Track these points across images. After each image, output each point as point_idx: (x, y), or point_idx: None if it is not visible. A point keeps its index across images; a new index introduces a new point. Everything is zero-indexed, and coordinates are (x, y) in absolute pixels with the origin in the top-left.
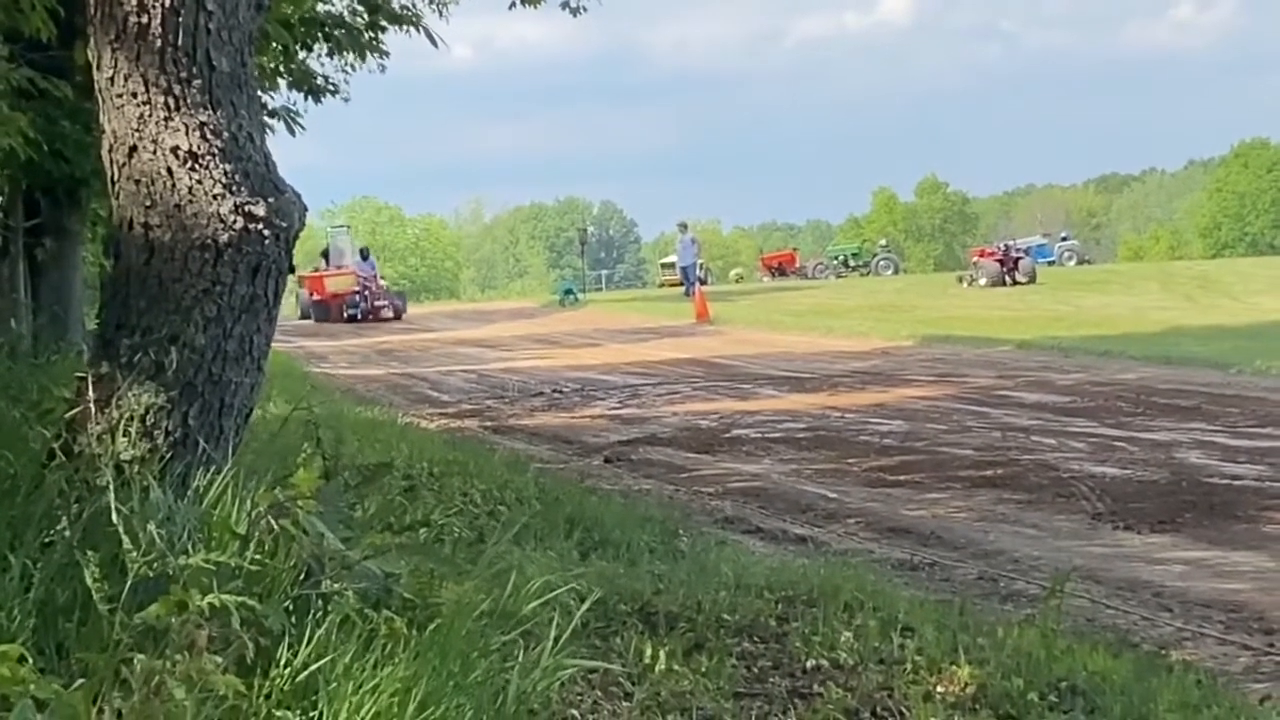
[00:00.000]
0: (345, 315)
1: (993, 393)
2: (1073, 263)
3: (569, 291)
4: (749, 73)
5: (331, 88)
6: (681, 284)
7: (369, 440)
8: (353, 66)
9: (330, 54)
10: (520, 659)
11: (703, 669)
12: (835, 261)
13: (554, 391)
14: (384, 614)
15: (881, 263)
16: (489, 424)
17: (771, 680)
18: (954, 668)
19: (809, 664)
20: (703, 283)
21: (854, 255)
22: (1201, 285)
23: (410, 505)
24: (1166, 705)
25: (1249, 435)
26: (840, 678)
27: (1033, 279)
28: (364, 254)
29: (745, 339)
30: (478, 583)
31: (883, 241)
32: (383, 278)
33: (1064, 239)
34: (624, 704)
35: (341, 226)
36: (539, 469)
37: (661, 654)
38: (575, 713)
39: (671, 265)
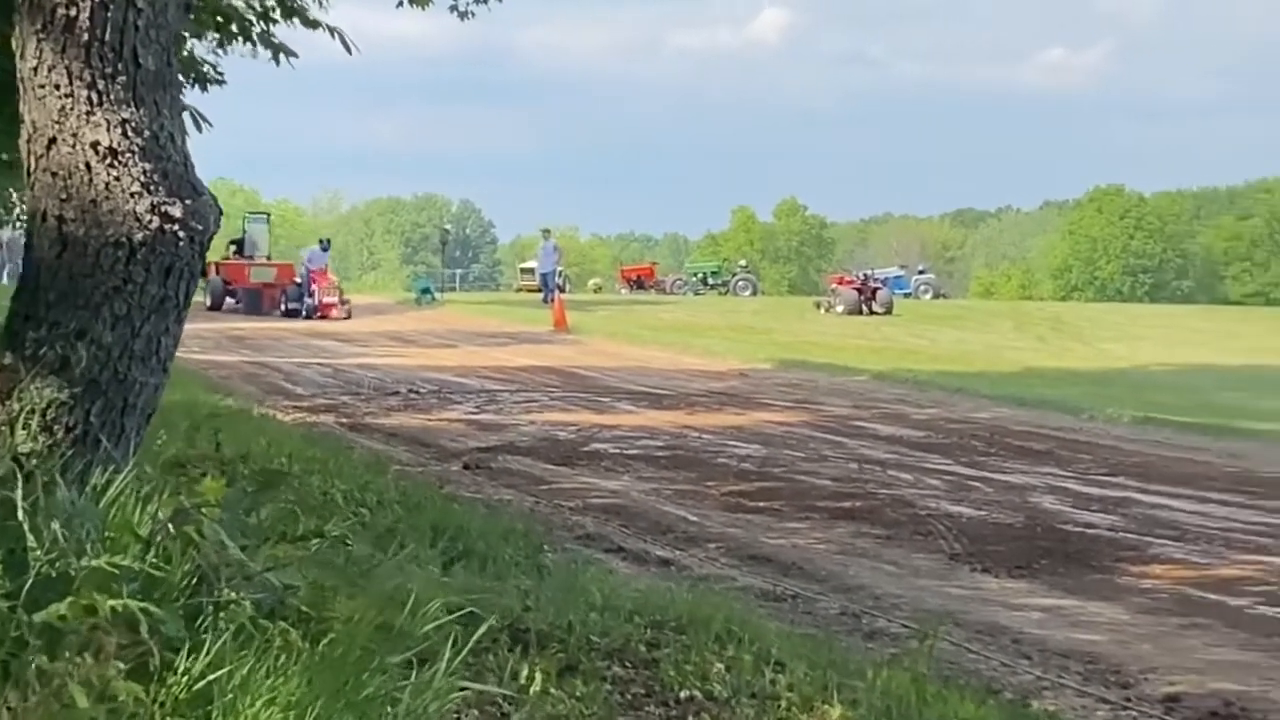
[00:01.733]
0: (284, 309)
1: (849, 423)
2: (928, 296)
3: (426, 290)
4: (617, 82)
5: (219, 77)
6: (540, 290)
7: (226, 432)
8: (253, 56)
9: (220, 45)
10: (413, 679)
11: (577, 693)
12: (694, 278)
13: (410, 391)
14: (279, 625)
15: (740, 283)
16: (345, 420)
17: (647, 709)
18: (826, 707)
19: (682, 694)
20: (562, 290)
21: (713, 274)
22: (1054, 327)
23: (304, 515)
24: None
25: (1100, 484)
26: (714, 710)
27: (889, 310)
28: (324, 245)
29: (603, 350)
30: (370, 598)
31: (742, 262)
32: (334, 273)
33: (921, 272)
34: None
35: (260, 215)
36: (398, 471)
37: (537, 675)
38: None
39: (531, 271)
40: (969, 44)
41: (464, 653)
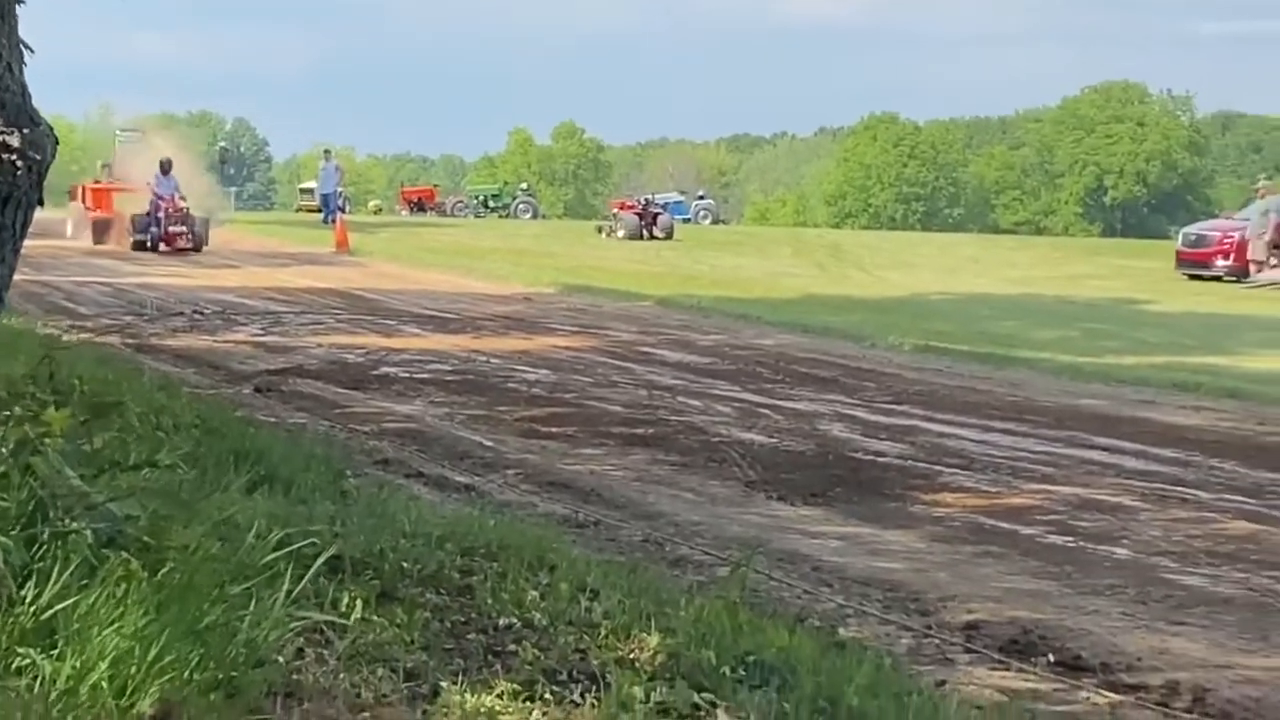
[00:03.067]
0: (132, 241)
1: (636, 348)
2: (708, 221)
3: None
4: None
5: None
6: (320, 210)
7: (11, 351)
8: None
9: None
10: (252, 608)
11: (398, 620)
12: (475, 201)
13: (195, 312)
14: (120, 555)
15: (521, 206)
16: (131, 342)
17: (468, 636)
18: (644, 635)
19: (501, 622)
20: (343, 211)
21: (494, 196)
22: (833, 254)
23: (136, 444)
24: (855, 688)
25: (887, 412)
26: (534, 638)
27: (670, 235)
28: (164, 167)
29: (386, 273)
30: (208, 527)
31: (524, 185)
32: (183, 198)
33: (700, 198)
34: (325, 652)
35: (132, 132)
36: (191, 394)
37: (358, 603)
38: (281, 659)
39: (311, 191)
40: None
41: (304, 582)
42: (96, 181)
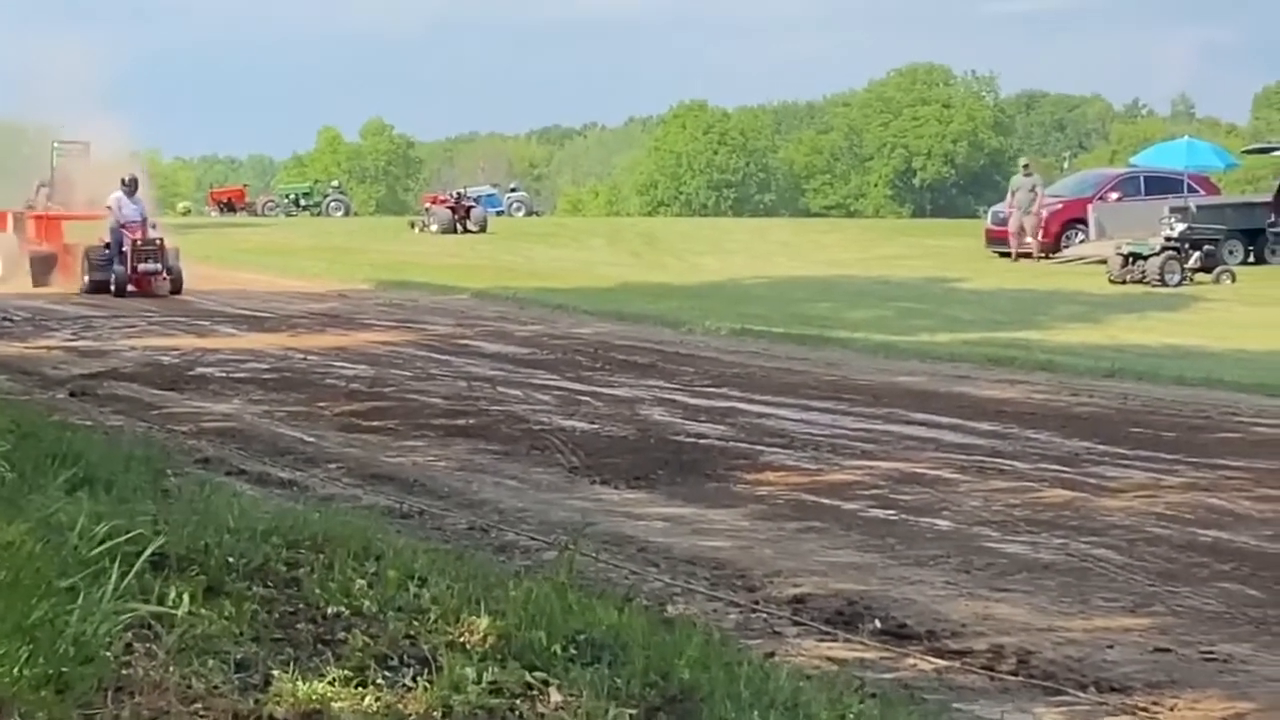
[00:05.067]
0: (88, 283)
1: (454, 341)
2: (521, 213)
3: None
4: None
5: None
6: None
7: None
8: None
9: None
10: (79, 604)
11: (226, 613)
12: (286, 200)
13: (3, 319)
14: None
15: (333, 204)
16: None
17: (296, 626)
18: (473, 618)
19: (330, 610)
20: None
21: (305, 195)
22: (647, 242)
23: None
24: (686, 661)
25: (706, 395)
26: (364, 625)
27: (484, 228)
28: (129, 186)
29: (198, 274)
30: (30, 525)
31: (334, 183)
32: (154, 225)
33: (513, 190)
34: (154, 646)
35: (74, 144)
36: (3, 400)
37: (185, 597)
38: (110, 654)
39: None
40: None
41: (129, 578)
42: (30, 206)
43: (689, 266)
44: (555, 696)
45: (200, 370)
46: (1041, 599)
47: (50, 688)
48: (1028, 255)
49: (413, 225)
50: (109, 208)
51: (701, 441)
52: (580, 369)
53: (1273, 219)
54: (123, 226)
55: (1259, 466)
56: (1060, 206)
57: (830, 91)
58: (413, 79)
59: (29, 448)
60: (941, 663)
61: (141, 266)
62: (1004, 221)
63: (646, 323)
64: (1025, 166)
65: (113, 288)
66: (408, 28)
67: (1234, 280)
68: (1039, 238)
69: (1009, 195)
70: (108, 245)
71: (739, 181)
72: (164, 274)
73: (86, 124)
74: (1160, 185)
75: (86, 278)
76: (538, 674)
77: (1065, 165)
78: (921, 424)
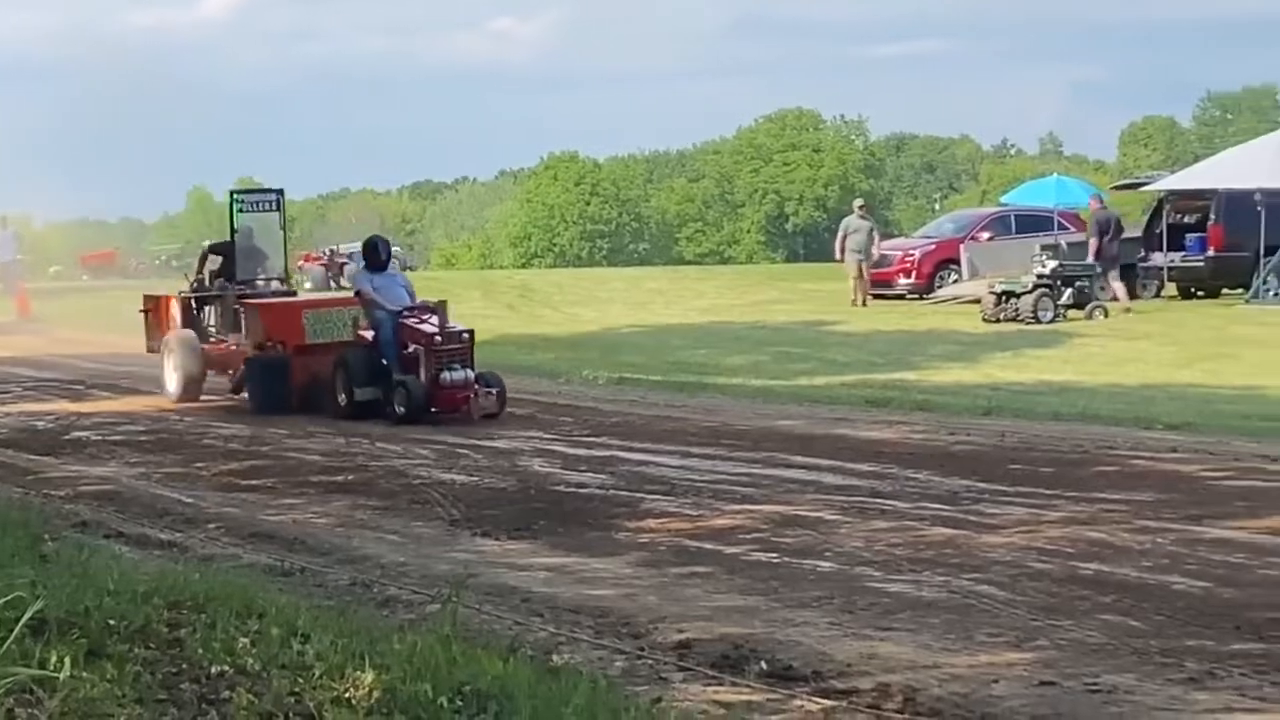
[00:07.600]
0: None
1: None
2: (396, 268)
3: None
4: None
5: None
6: None
7: None
8: None
9: None
10: None
11: (108, 676)
12: (158, 261)
13: None
14: None
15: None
16: None
17: (180, 686)
18: (359, 673)
19: (213, 670)
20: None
21: (176, 256)
22: (522, 294)
23: None
24: (573, 709)
25: (586, 444)
26: (247, 683)
27: None
28: None
29: (72, 339)
30: None
31: (206, 243)
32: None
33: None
34: (36, 711)
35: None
36: None
37: (67, 661)
38: None
39: None
40: (416, 16)
41: (8, 643)
42: None
43: (565, 317)
44: None
45: (76, 434)
46: (926, 636)
47: None
48: (882, 298)
49: None
50: None
51: (582, 491)
52: (457, 423)
53: (1143, 253)
54: None
55: (1137, 499)
56: (933, 247)
57: (701, 140)
58: (282, 136)
59: None
60: (828, 703)
61: None
62: (877, 263)
63: (524, 374)
64: (861, 207)
65: None
66: (274, 84)
67: (1106, 315)
68: (894, 283)
69: (840, 235)
70: None
71: (612, 231)
72: None
73: None
74: (1031, 223)
75: None
76: None
77: (937, 206)
78: (801, 467)
